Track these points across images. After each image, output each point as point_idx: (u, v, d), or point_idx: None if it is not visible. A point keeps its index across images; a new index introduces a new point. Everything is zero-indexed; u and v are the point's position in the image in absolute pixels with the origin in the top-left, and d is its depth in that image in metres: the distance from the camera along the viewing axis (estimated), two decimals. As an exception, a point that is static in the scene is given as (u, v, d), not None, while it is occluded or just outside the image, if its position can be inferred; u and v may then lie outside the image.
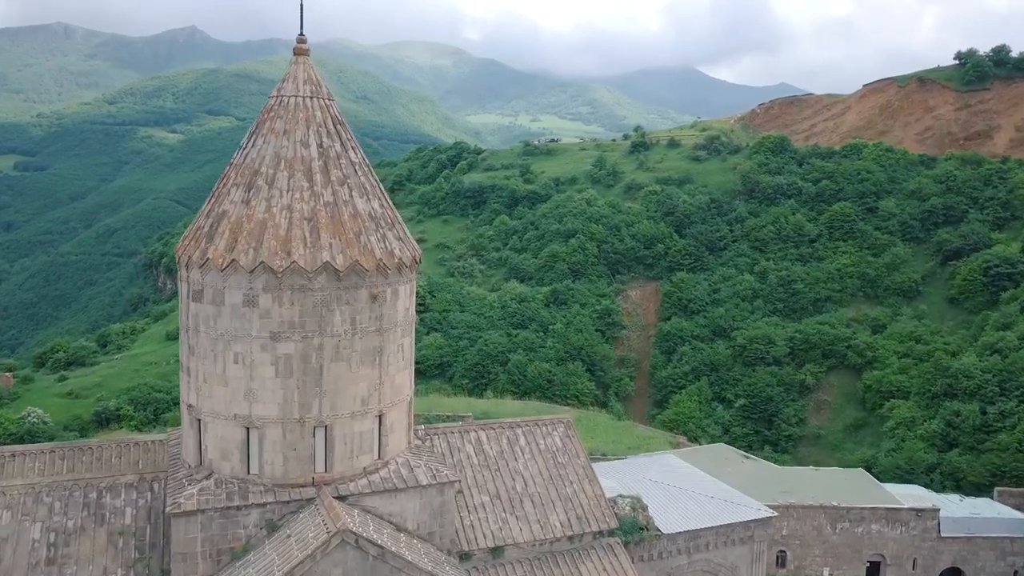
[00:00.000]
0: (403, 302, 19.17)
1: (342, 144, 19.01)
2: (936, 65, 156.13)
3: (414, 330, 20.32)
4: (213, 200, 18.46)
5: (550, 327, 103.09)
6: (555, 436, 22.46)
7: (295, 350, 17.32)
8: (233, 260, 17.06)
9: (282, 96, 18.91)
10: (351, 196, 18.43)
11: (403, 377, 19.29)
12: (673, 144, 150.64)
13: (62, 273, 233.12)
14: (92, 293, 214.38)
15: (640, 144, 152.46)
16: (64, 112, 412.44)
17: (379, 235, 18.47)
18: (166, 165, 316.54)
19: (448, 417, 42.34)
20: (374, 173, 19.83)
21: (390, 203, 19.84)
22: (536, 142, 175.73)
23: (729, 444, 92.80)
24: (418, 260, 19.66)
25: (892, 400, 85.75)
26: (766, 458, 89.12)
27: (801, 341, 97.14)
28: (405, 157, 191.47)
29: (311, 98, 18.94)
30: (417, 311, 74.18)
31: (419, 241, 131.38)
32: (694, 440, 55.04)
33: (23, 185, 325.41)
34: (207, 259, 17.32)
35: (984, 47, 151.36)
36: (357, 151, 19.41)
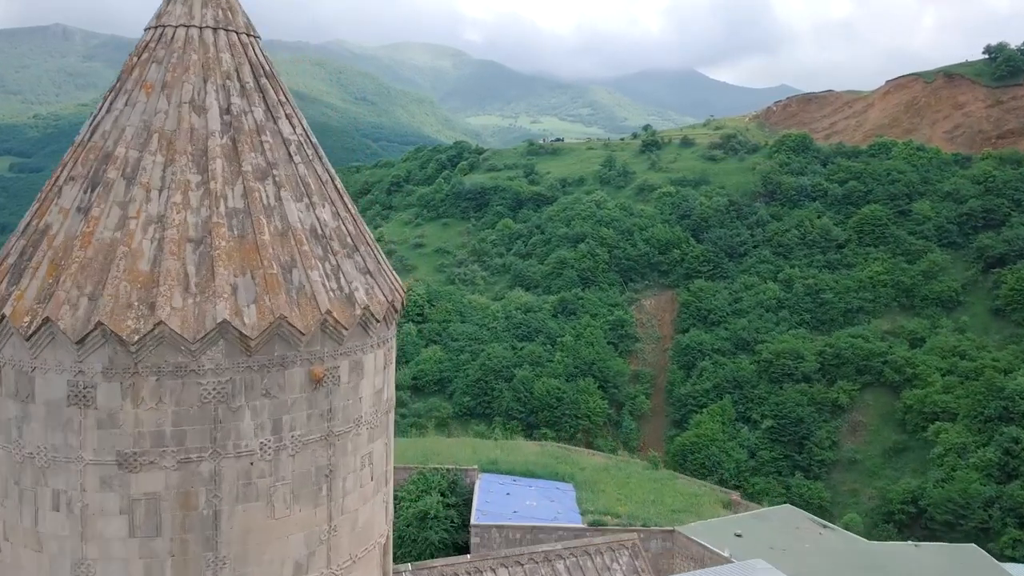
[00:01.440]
0: (372, 380, 11.21)
1: (268, 110, 11.08)
2: (963, 60, 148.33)
3: (393, 422, 12.35)
4: (35, 208, 10.52)
5: (558, 339, 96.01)
6: (616, 571, 14.45)
7: (166, 485, 9.36)
8: (47, 319, 9.13)
9: (164, 27, 10.96)
10: (279, 199, 10.49)
11: (372, 509, 11.30)
12: (686, 143, 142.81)
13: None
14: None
15: (651, 143, 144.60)
16: (61, 113, 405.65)
17: (328, 267, 10.54)
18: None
19: (448, 471, 34.44)
20: (326, 161, 11.89)
21: (354, 210, 11.91)
22: (542, 141, 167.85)
23: (756, 469, 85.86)
24: (398, 307, 11.72)
25: (937, 423, 78.04)
26: (797, 486, 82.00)
27: (832, 356, 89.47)
28: (403, 157, 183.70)
29: (215, 30, 10.99)
30: (415, 321, 65.77)
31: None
32: (749, 497, 47.18)
33: (18, 187, 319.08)
34: (2, 316, 9.39)
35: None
36: (296, 122, 11.48)
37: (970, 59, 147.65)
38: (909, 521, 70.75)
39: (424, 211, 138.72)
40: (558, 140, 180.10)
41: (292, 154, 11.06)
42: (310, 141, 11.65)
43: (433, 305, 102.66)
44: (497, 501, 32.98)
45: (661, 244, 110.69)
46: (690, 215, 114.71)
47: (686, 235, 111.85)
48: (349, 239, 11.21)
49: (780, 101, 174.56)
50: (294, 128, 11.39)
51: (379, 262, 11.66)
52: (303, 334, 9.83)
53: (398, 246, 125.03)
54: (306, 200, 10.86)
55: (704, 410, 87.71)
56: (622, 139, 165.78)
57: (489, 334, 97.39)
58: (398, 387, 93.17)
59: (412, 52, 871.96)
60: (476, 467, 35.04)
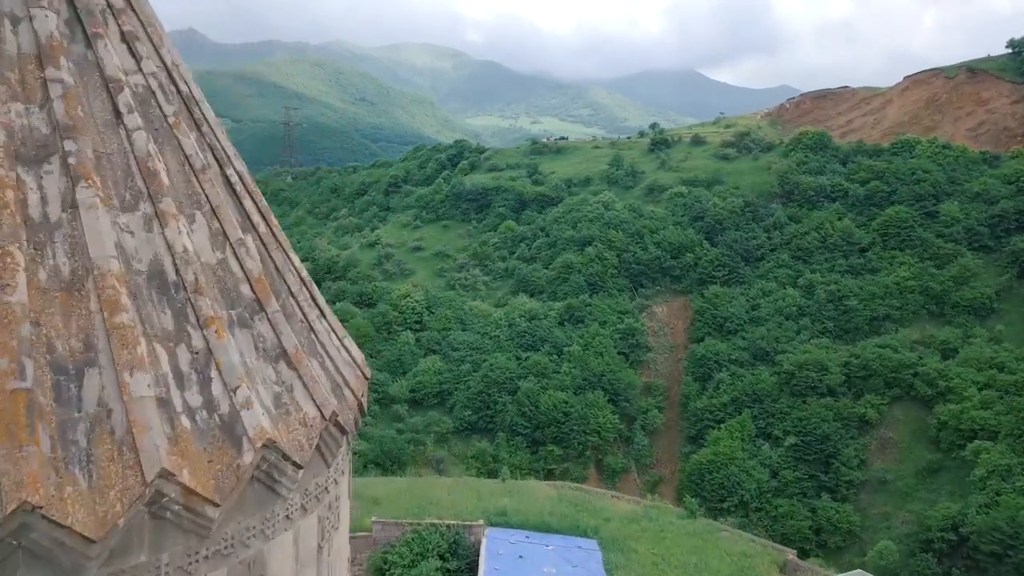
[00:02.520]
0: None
1: (76, 19, 5.27)
2: (986, 54, 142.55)
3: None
4: None
5: (565, 349, 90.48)
6: None
7: None
8: None
9: None
10: (73, 206, 4.71)
11: None
12: (697, 142, 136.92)
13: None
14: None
15: (660, 142, 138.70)
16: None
17: (184, 358, 4.69)
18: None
19: (448, 527, 28.68)
20: (216, 131, 6.09)
21: (268, 225, 6.09)
22: (546, 140, 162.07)
23: (779, 490, 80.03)
24: (348, 426, 5.87)
25: (976, 441, 72.15)
26: (823, 509, 76.06)
27: (858, 367, 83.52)
28: (402, 157, 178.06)
29: None
30: (413, 329, 59.99)
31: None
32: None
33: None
34: None
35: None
36: (149, 51, 5.67)
37: (992, 54, 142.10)
38: (949, 550, 65.01)
39: (423, 212, 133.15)
40: (562, 139, 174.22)
41: (122, 111, 5.24)
42: (177, 91, 5.85)
43: (432, 312, 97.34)
44: (508, 567, 27.22)
45: (673, 247, 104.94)
46: (703, 217, 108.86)
47: (699, 238, 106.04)
48: (247, 287, 5.39)
49: (793, 98, 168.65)
50: (138, 62, 5.58)
51: (312, 330, 5.83)
52: (92, 541, 4.01)
53: (396, 249, 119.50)
54: (145, 208, 5.04)
55: (721, 426, 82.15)
56: (629, 138, 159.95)
57: (491, 343, 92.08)
58: (396, 400, 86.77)
59: (412, 53, 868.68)
60: (482, 521, 29.28)
